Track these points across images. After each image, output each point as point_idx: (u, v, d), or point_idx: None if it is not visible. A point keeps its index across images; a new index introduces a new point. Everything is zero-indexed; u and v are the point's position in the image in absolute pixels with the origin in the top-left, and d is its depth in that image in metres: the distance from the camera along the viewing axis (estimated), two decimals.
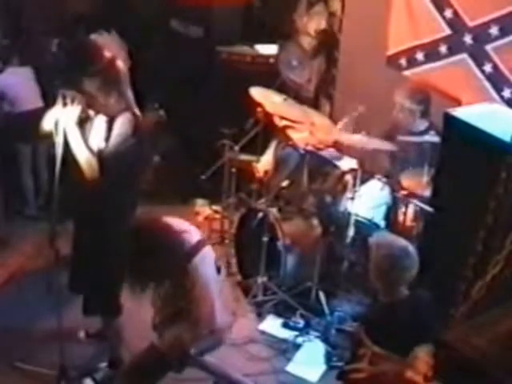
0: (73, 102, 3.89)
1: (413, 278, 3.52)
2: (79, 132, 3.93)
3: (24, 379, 4.34)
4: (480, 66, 4.96)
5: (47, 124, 4.03)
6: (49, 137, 3.91)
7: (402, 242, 3.64)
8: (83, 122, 4.00)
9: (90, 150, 3.92)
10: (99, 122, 4.01)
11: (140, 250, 3.48)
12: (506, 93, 4.84)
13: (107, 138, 3.94)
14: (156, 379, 3.84)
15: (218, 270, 3.76)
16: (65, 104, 3.88)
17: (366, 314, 4.72)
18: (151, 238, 3.52)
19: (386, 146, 4.98)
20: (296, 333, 4.94)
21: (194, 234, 3.73)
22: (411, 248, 3.54)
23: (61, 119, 3.89)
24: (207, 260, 3.67)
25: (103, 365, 4.43)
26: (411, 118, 5.00)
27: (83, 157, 3.90)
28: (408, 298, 3.53)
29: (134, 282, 3.56)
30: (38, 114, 4.22)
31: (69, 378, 4.20)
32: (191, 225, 3.88)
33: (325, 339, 4.87)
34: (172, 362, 3.74)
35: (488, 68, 4.91)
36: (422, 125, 5.04)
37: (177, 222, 3.73)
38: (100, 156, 3.91)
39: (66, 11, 6.83)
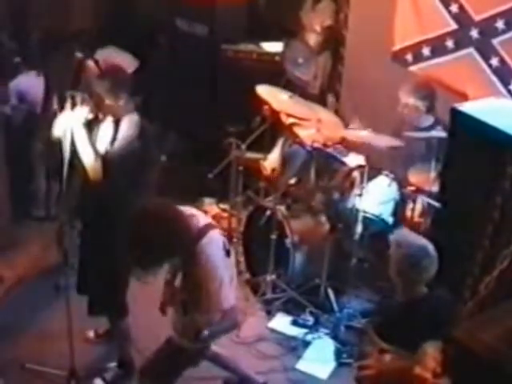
0: (82, 102, 3.91)
1: (431, 278, 3.50)
2: (86, 133, 3.95)
3: (34, 380, 4.36)
4: (487, 60, 4.94)
5: (57, 130, 4.05)
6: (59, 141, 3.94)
7: (421, 240, 3.61)
8: (92, 124, 4.02)
9: (96, 151, 3.93)
10: (107, 125, 4.03)
11: (147, 235, 3.44)
12: None
13: (113, 140, 3.96)
14: (177, 373, 3.87)
15: (228, 253, 3.72)
16: (74, 105, 3.90)
17: (379, 310, 4.72)
18: (158, 222, 3.47)
19: (393, 142, 4.96)
20: (305, 330, 4.94)
21: (201, 218, 3.72)
22: (431, 247, 3.51)
23: (69, 121, 3.91)
24: (215, 242, 3.64)
25: (113, 365, 4.44)
26: (416, 114, 4.98)
27: (88, 158, 3.92)
28: (427, 297, 3.51)
29: (141, 269, 3.56)
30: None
31: (79, 379, 4.21)
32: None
33: (334, 336, 4.87)
34: (189, 351, 3.75)
35: (495, 62, 4.89)
36: (428, 120, 5.02)
37: (184, 208, 3.72)
38: (105, 158, 3.93)
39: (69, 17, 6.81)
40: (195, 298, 3.63)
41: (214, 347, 4.01)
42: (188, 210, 3.74)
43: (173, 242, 3.50)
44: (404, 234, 3.83)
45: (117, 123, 4.01)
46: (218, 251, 3.64)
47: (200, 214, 3.79)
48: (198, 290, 3.60)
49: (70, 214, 4.36)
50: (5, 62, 6.02)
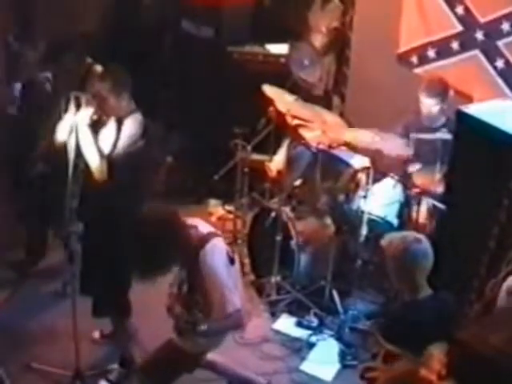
0: (87, 103, 3.93)
1: (431, 267, 3.49)
2: (91, 134, 3.97)
3: (39, 380, 4.36)
4: (492, 62, 4.95)
5: (62, 131, 4.06)
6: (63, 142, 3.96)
7: (409, 233, 3.64)
8: (96, 125, 4.03)
9: (100, 151, 3.95)
10: (110, 125, 4.05)
11: (152, 237, 3.49)
12: None
13: (116, 140, 3.98)
14: (174, 375, 3.86)
15: (232, 261, 3.73)
16: (78, 106, 3.91)
17: (384, 312, 4.71)
18: (164, 226, 3.53)
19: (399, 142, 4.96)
20: (310, 332, 4.93)
21: (204, 226, 3.77)
22: (421, 235, 3.55)
23: (74, 122, 3.93)
24: (217, 250, 3.66)
25: (116, 365, 4.43)
26: (435, 113, 4.95)
27: (93, 158, 3.94)
28: (432, 299, 3.51)
29: (144, 271, 3.58)
30: None
31: (84, 379, 4.21)
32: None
33: (339, 338, 4.87)
34: (187, 354, 3.77)
35: (500, 64, 4.91)
36: (440, 120, 5.01)
37: (187, 218, 3.75)
38: (109, 158, 3.95)
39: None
40: (199, 303, 3.66)
41: (210, 355, 3.97)
42: (191, 219, 3.77)
43: (174, 247, 3.55)
44: (390, 235, 3.83)
45: (119, 123, 4.04)
46: (220, 258, 3.66)
47: (203, 223, 3.82)
48: (201, 295, 3.63)
49: (73, 215, 4.36)
50: (10, 63, 6.03)
